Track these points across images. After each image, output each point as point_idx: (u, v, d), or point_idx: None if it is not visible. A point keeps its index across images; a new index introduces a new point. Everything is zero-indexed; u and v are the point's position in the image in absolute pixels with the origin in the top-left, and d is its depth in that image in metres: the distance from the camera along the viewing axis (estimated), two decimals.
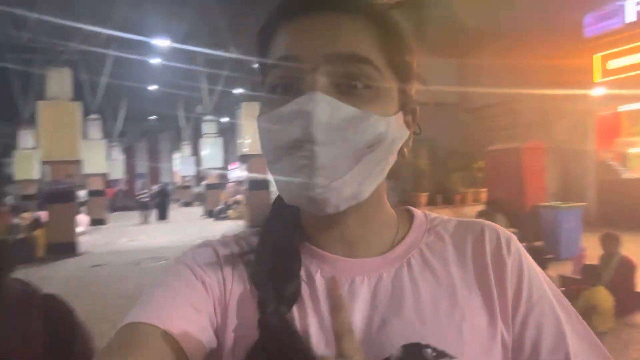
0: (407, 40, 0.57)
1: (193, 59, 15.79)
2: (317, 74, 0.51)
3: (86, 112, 16.12)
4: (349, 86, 0.52)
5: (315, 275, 0.57)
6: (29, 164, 15.57)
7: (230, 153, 24.77)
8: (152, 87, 19.41)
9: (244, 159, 14.19)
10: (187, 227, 15.41)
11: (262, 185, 13.04)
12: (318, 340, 0.53)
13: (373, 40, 0.53)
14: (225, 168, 23.52)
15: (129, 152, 30.32)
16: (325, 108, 0.49)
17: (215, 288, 0.56)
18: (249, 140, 12.94)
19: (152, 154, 33.59)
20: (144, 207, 18.32)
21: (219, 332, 0.55)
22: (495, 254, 0.58)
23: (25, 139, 17.00)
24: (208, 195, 20.49)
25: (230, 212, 18.23)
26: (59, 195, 10.76)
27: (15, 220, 11.29)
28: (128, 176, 29.15)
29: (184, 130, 25.81)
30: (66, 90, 11.56)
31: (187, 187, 28.17)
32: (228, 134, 22.49)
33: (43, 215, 11.35)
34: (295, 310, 0.55)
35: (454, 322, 0.54)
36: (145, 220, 18.04)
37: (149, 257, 9.78)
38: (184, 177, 28.36)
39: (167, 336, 0.48)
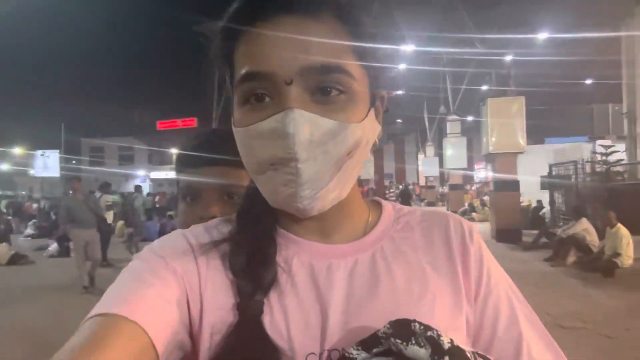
0: (374, 30, 0.57)
1: (437, 60, 15.84)
2: (292, 88, 0.50)
3: None
4: (324, 95, 0.52)
5: (292, 260, 0.59)
6: None
7: (475, 152, 23.91)
8: (398, 92, 20.25)
9: (490, 158, 13.44)
10: None
11: (510, 186, 12.12)
12: (296, 324, 0.54)
13: (342, 39, 0.53)
14: (470, 168, 22.83)
15: (378, 154, 32.38)
16: (306, 127, 0.50)
17: (189, 277, 0.56)
18: (494, 139, 12.21)
19: (399, 155, 35.14)
20: None
21: (194, 322, 0.55)
22: (460, 242, 0.63)
23: None
24: (451, 196, 20.24)
25: (475, 214, 17.61)
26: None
27: None
28: (377, 176, 31.16)
29: (427, 132, 26.11)
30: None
31: (431, 187, 28.45)
32: (472, 132, 21.75)
33: None
34: (273, 295, 0.55)
35: (426, 303, 0.57)
36: None
37: None
38: (427, 177, 28.70)
39: (134, 327, 0.47)
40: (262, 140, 0.52)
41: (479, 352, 0.50)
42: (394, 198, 19.51)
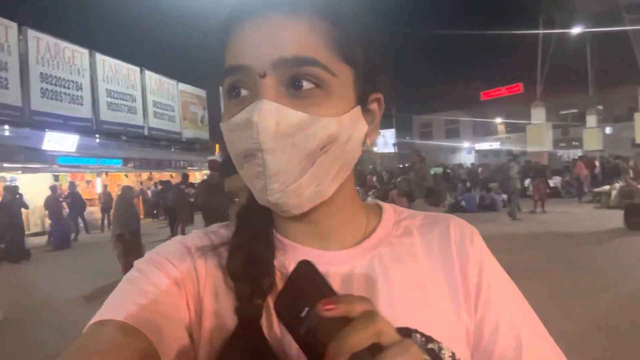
0: (364, 30, 0.56)
1: None
2: (265, 80, 0.51)
3: None
4: (296, 89, 0.51)
5: (290, 266, 0.58)
6: None
7: None
8: None
9: None
10: None
11: None
12: None
13: (322, 39, 0.52)
14: None
15: None
16: (271, 116, 0.49)
17: (188, 283, 0.56)
18: None
19: None
20: None
21: (193, 326, 0.55)
22: (459, 246, 0.62)
23: None
24: None
25: None
26: None
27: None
28: None
29: None
30: None
31: None
32: None
33: None
34: (271, 300, 0.54)
35: (424, 311, 0.57)
36: None
37: None
38: None
39: (137, 333, 0.47)
40: (238, 132, 0.52)
41: None
42: None
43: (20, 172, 15.25)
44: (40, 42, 17.23)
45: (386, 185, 20.78)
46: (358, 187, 0.70)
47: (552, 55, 21.41)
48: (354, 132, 0.55)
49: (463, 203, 11.92)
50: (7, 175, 14.39)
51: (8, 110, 15.17)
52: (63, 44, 18.44)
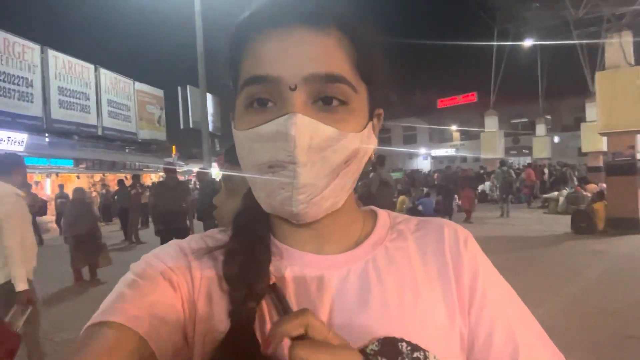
0: (379, 51, 0.59)
1: None
2: (296, 94, 0.51)
3: None
4: (326, 104, 0.53)
5: (285, 270, 0.59)
6: (595, 137, 15.72)
7: None
8: None
9: None
10: None
11: None
12: None
13: (347, 56, 0.54)
14: None
15: None
16: (306, 131, 0.50)
17: (184, 285, 0.56)
18: None
19: None
20: None
21: (187, 329, 0.55)
22: (453, 251, 0.62)
23: (591, 111, 17.28)
24: None
25: None
26: (618, 168, 10.24)
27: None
28: None
29: None
30: (626, 56, 10.76)
31: None
32: None
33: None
34: (264, 304, 0.56)
35: (417, 315, 0.57)
36: None
37: None
38: None
39: (135, 335, 0.48)
40: (263, 142, 0.53)
41: None
42: None
43: None
44: None
45: None
46: None
47: (505, 65, 22.31)
48: (369, 146, 0.58)
49: (420, 207, 12.21)
50: None
51: None
52: (13, 38, 17.62)
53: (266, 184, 0.54)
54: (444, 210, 12.63)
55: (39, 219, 13.48)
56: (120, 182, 13.58)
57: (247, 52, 0.55)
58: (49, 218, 15.72)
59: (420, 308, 0.57)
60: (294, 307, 0.56)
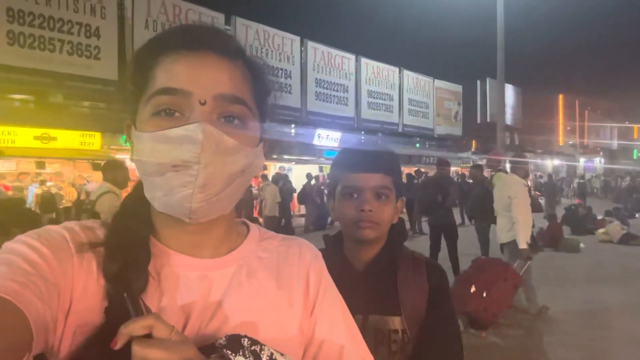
0: (269, 82, 0.72)
1: None
2: (204, 108, 0.61)
3: None
4: (228, 121, 0.64)
5: (162, 270, 0.66)
6: None
7: None
8: None
9: None
10: None
11: None
12: None
13: (247, 83, 0.67)
14: None
15: None
16: (213, 138, 0.60)
17: (60, 272, 0.59)
18: None
19: None
20: None
21: (59, 317, 0.57)
22: (305, 265, 0.77)
23: None
24: None
25: None
26: None
27: None
28: None
29: None
30: None
31: None
32: None
33: None
34: (141, 302, 0.60)
35: (267, 316, 0.69)
36: None
37: None
38: None
39: (15, 309, 0.49)
40: (169, 144, 0.59)
41: None
42: None
43: (294, 163, 18.23)
44: (317, 51, 19.89)
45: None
46: None
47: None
48: (259, 162, 0.70)
49: None
50: (286, 165, 17.17)
51: (290, 112, 18.08)
52: (334, 51, 20.83)
53: (167, 182, 0.60)
54: None
55: None
56: (409, 175, 14.32)
57: (159, 64, 0.63)
58: None
59: (269, 310, 0.70)
60: (167, 305, 0.63)
